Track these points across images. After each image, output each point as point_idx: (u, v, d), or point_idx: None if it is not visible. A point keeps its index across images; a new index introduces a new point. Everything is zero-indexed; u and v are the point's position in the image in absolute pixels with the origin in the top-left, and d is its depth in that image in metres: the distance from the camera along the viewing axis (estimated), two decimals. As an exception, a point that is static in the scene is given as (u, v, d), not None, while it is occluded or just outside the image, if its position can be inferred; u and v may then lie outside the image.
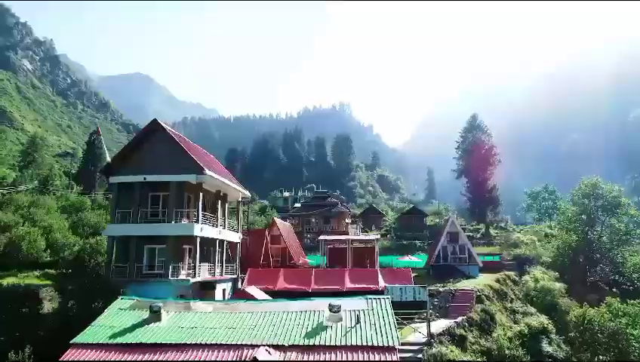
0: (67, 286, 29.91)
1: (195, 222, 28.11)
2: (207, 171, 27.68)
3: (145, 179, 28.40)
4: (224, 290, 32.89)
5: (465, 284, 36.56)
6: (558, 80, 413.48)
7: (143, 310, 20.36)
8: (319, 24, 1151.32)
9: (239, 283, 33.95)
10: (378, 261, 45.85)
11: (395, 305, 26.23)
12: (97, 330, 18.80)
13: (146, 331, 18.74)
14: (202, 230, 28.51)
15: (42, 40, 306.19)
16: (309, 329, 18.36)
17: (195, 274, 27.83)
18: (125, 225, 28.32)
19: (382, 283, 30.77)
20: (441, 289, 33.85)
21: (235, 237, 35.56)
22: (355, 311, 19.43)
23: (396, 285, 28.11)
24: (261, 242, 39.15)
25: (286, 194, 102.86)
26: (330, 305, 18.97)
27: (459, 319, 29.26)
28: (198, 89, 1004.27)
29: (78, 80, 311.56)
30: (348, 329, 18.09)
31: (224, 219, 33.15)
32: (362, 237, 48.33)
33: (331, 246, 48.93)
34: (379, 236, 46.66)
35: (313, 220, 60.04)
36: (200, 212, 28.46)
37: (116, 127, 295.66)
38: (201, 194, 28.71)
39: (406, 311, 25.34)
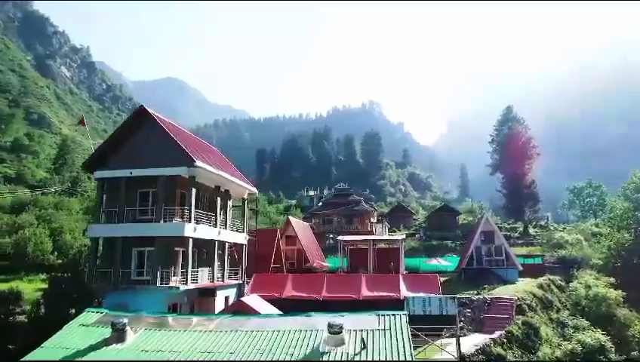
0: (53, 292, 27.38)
1: (187, 221, 24.64)
2: (198, 162, 24.17)
3: (131, 173, 25.16)
4: (227, 298, 29.42)
5: (502, 291, 31.79)
6: (593, 72, 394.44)
7: (108, 326, 16.97)
8: (348, 23, 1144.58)
9: (245, 289, 30.43)
10: (404, 264, 41.58)
11: (418, 319, 22.21)
12: (47, 353, 15.54)
13: (103, 355, 15.32)
14: (196, 230, 25.03)
15: (79, 47, 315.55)
16: (302, 355, 14.55)
17: (186, 280, 24.35)
18: (109, 226, 25.21)
19: (404, 292, 26.52)
20: (474, 297, 29.23)
21: (241, 238, 32.02)
22: (361, 331, 15.51)
23: (419, 295, 23.83)
24: (272, 243, 35.49)
25: (311, 193, 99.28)
26: (329, 324, 15.03)
27: (496, 334, 24.80)
28: (228, 91, 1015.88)
29: (113, 85, 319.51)
30: (351, 357, 14.13)
31: (225, 218, 29.64)
32: (386, 237, 44.02)
33: (353, 248, 44.98)
34: (404, 236, 42.29)
35: (335, 219, 56.02)
36: (193, 210, 24.97)
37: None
38: (193, 189, 25.22)
39: (431, 326, 21.05)
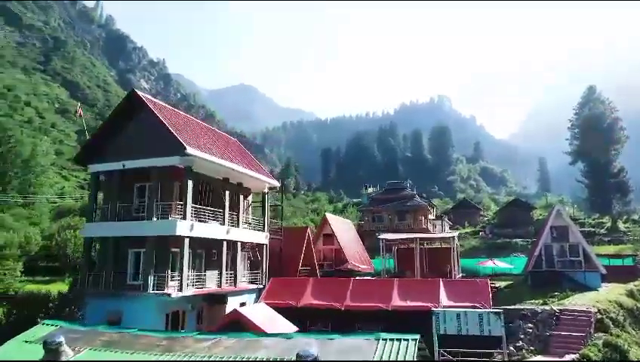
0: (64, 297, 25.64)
1: (181, 218, 21.47)
2: (190, 149, 20.90)
3: (124, 166, 22.54)
4: (242, 304, 25.98)
5: (577, 300, 25.44)
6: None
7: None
8: (416, 18, 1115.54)
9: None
10: (458, 266, 35.93)
11: (451, 341, 17.29)
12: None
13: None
14: (193, 228, 21.80)
15: (156, 61, 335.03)
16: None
17: (181, 286, 21.18)
18: (98, 225, 22.78)
19: (445, 302, 21.43)
20: (538, 308, 23.38)
21: (260, 237, 28.52)
22: (344, 364, 11.13)
23: (452, 309, 18.65)
24: (300, 243, 31.62)
25: (370, 190, 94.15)
26: (298, 355, 10.83)
27: (566, 358, 19.09)
28: (297, 95, 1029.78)
29: (187, 94, 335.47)
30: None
31: (236, 215, 26.22)
32: (435, 234, 38.50)
33: (402, 248, 39.96)
34: (456, 233, 36.56)
35: (386, 216, 50.97)
36: (189, 205, 21.78)
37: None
38: (190, 181, 22.03)
39: (468, 350, 16.03)
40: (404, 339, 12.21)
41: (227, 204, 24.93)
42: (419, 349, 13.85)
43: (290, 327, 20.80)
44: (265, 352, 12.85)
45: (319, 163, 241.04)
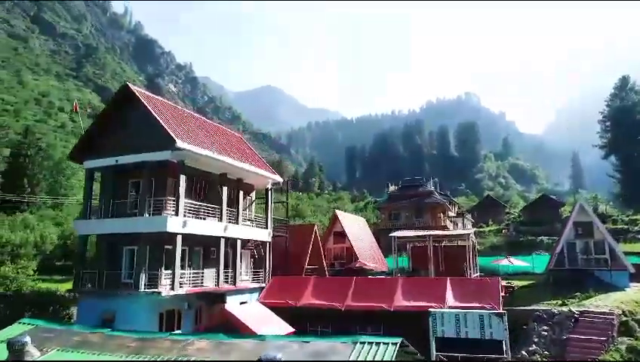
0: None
1: (173, 214, 20.78)
2: (180, 143, 20.18)
3: (117, 161, 22.05)
4: (243, 304, 25.15)
5: (601, 301, 23.47)
6: None
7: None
8: (442, 14, 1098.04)
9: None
10: (476, 265, 34.19)
11: (452, 345, 15.90)
12: None
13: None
14: (186, 225, 21.08)
15: (183, 65, 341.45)
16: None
17: (173, 284, 20.47)
18: (93, 221, 22.34)
19: (451, 302, 19.96)
20: (555, 309, 21.62)
21: (263, 234, 27.65)
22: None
23: (450, 310, 17.19)
24: (307, 241, 30.58)
25: (392, 188, 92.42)
26: (260, 360, 9.83)
27: (584, 364, 17.38)
28: (323, 95, 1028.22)
29: (214, 97, 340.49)
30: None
31: (236, 212, 25.39)
32: (449, 232, 36.77)
33: (419, 245, 38.37)
34: (472, 230, 34.77)
35: (403, 214, 49.30)
36: (182, 201, 21.07)
37: (247, 137, 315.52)
38: (183, 176, 21.33)
39: (468, 354, 14.62)
40: (384, 343, 11.00)
41: (225, 200, 24.12)
42: (407, 353, 12.63)
43: (283, 328, 19.86)
44: (236, 355, 11.94)
45: (344, 162, 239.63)
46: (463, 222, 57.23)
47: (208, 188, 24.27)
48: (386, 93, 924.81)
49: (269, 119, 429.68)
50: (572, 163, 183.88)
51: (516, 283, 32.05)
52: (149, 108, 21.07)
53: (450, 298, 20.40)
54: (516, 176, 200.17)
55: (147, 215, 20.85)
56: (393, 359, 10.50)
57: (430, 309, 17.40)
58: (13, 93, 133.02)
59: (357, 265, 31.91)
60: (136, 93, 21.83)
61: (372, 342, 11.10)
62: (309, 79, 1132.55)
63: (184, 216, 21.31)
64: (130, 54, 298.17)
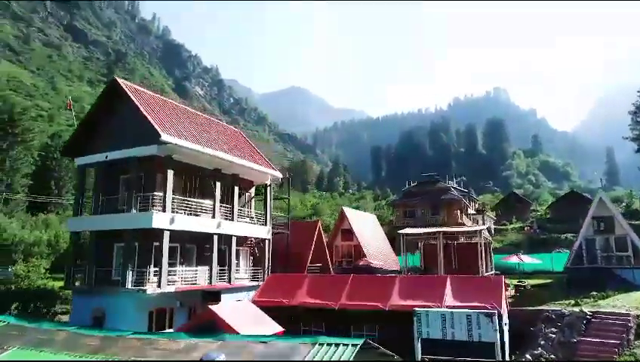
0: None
1: (160, 210, 20.26)
2: (165, 136, 19.64)
3: (107, 157, 21.76)
4: (232, 303, 24.46)
5: (620, 301, 21.66)
6: None
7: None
8: (470, 13, 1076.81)
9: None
10: (491, 262, 32.59)
11: (439, 346, 14.69)
12: None
13: None
14: (174, 221, 20.54)
15: (209, 67, 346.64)
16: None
17: (160, 282, 19.96)
18: (83, 218, 22.13)
19: (449, 301, 18.67)
20: (566, 310, 20.01)
21: (261, 231, 26.93)
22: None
23: (436, 309, 15.92)
24: (310, 238, 29.69)
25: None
26: (200, 359, 9.08)
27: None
28: (348, 95, 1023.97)
29: (239, 98, 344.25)
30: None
31: (231, 208, 24.74)
32: (459, 229, 35.16)
33: (432, 243, 36.95)
34: (484, 227, 33.08)
35: (418, 211, 47.69)
36: (169, 196, 20.55)
37: (273, 137, 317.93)
38: (170, 171, 20.81)
39: (454, 358, 13.40)
40: (344, 344, 10.07)
41: (218, 195, 23.51)
42: (381, 354, 11.61)
43: (272, 328, 18.98)
44: (197, 355, 11.20)
45: (370, 162, 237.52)
46: (483, 220, 55.10)
47: (201, 184, 23.71)
48: (412, 92, 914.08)
49: (295, 120, 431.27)
50: (606, 159, 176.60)
51: (533, 282, 30.32)
52: (136, 101, 20.67)
53: (449, 297, 19.09)
54: (548, 173, 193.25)
55: (135, 211, 20.44)
56: (351, 359, 9.58)
57: (415, 309, 16.19)
58: (48, 99, 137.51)
59: (361, 263, 30.81)
60: (124, 88, 21.46)
61: (332, 344, 10.23)
62: (334, 79, 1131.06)
63: (172, 212, 20.80)
64: (158, 59, 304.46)
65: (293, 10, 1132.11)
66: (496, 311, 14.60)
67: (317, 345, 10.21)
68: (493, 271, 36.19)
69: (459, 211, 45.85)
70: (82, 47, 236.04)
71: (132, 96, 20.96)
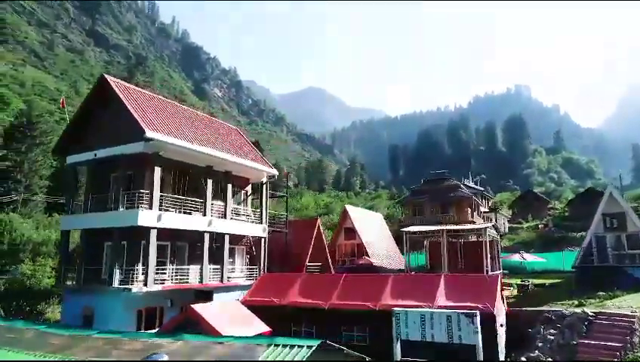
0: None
1: (147, 207, 19.99)
2: (150, 133, 19.37)
3: (96, 155, 21.65)
4: (214, 303, 24.08)
5: (628, 302, 20.47)
6: None
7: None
8: (489, 8, 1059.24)
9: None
10: (499, 261, 31.49)
11: (422, 348, 13.94)
12: None
13: None
14: (161, 218, 20.26)
15: (228, 69, 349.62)
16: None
17: (146, 280, 19.69)
18: (73, 217, 22.04)
19: (441, 301, 17.87)
20: (567, 311, 18.96)
21: (256, 230, 26.49)
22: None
23: (416, 309, 15.11)
24: (309, 236, 29.12)
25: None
26: (144, 359, 8.67)
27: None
28: (366, 95, 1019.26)
29: (258, 100, 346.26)
30: None
31: (224, 206, 24.36)
32: (464, 226, 34.07)
33: (437, 241, 35.99)
34: (490, 224, 31.92)
35: (427, 209, 46.58)
36: (156, 194, 20.28)
37: (291, 138, 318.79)
38: (157, 168, 20.53)
39: (433, 360, 12.64)
40: (299, 346, 9.50)
41: (209, 193, 23.17)
42: (346, 355, 11.02)
43: (257, 329, 18.50)
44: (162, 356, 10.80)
45: (385, 160, 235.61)
46: (496, 218, 53.67)
47: (193, 182, 23.39)
48: (431, 90, 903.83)
49: (313, 120, 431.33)
50: (632, 155, 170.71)
51: (543, 281, 29.14)
52: (123, 98, 20.48)
53: (441, 297, 18.28)
54: (571, 171, 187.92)
55: (122, 209, 20.24)
56: (304, 360, 9.02)
57: (394, 309, 15.45)
58: (70, 103, 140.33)
59: (361, 262, 30.09)
60: (112, 84, 21.30)
61: (287, 345, 9.67)
62: (352, 79, 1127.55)
63: (161, 210, 20.54)
64: (177, 61, 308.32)
65: (309, 10, 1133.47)
66: (477, 312, 13.74)
67: (272, 346, 9.69)
68: (501, 271, 35.02)
69: (469, 209, 44.60)
70: (104, 52, 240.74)
71: (119, 93, 20.77)
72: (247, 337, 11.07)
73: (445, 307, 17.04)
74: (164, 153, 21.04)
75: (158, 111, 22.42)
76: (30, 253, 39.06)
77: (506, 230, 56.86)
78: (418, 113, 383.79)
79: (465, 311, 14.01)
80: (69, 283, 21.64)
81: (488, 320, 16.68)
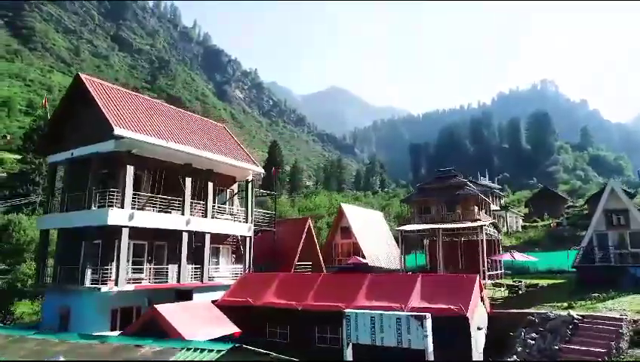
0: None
1: (118, 206, 19.76)
2: (119, 130, 19.13)
3: (72, 154, 21.59)
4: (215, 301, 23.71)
5: (620, 304, 19.08)
6: None
7: None
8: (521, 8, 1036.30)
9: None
10: (496, 260, 30.23)
11: (375, 352, 13.15)
12: None
13: None
14: (133, 217, 20.00)
15: (249, 71, 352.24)
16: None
17: (117, 280, 19.44)
18: (49, 216, 22.02)
19: (415, 303, 16.97)
20: (551, 313, 17.77)
21: (241, 229, 26.04)
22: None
23: (366, 311, 14.22)
24: (298, 236, 28.51)
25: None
26: None
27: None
28: (388, 93, 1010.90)
29: (278, 101, 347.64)
30: None
31: (205, 204, 23.97)
32: (460, 225, 32.88)
33: (438, 240, 34.92)
34: (486, 223, 30.64)
35: (433, 207, 45.22)
36: (128, 192, 20.04)
37: (312, 138, 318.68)
38: (129, 167, 20.30)
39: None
40: (209, 350, 8.93)
41: (188, 191, 22.84)
42: (257, 354, 10.37)
43: (225, 331, 18.02)
44: (72, 356, 10.41)
45: (407, 158, 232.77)
46: (506, 216, 51.85)
47: (172, 180, 23.08)
48: (455, 88, 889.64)
49: (336, 119, 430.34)
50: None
51: (545, 282, 27.73)
52: (95, 95, 20.33)
53: (415, 298, 17.39)
54: (598, 168, 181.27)
55: (94, 208, 20.07)
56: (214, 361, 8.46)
57: (344, 310, 14.65)
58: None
59: (354, 261, 29.29)
60: (86, 82, 21.17)
61: (198, 348, 9.11)
62: (374, 78, 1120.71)
63: (133, 208, 20.29)
64: (199, 64, 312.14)
65: (330, 10, 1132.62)
66: (427, 315, 12.84)
67: (185, 350, 9.16)
68: (502, 271, 33.69)
69: (476, 207, 43.04)
70: (128, 56, 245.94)
71: (91, 91, 20.64)
72: (162, 341, 10.47)
73: (418, 309, 16.17)
74: (139, 151, 20.81)
75: (134, 108, 22.21)
76: (33, 253, 39.75)
77: (519, 228, 54.92)
78: (441, 111, 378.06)
79: (415, 313, 13.13)
80: (45, 281, 21.61)
81: (462, 323, 15.76)
